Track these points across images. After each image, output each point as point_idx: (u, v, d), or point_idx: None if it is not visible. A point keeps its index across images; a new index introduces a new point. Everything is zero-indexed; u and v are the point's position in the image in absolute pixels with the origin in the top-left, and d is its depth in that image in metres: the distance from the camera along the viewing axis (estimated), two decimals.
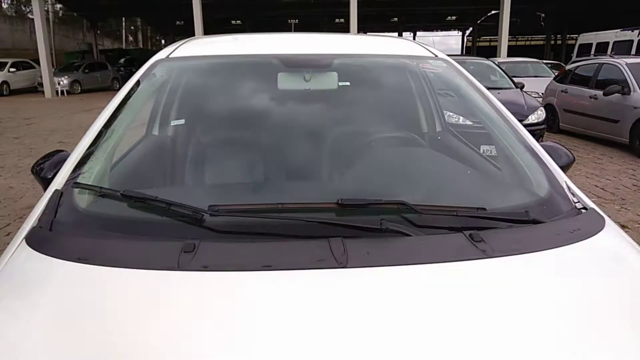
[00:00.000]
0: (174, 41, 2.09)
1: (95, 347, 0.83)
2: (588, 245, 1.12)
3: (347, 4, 17.69)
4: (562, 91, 9.14)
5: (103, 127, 1.48)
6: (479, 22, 35.81)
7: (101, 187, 1.26)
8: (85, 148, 1.41)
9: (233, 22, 33.46)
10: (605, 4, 24.49)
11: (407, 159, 1.59)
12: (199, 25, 18.16)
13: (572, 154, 1.68)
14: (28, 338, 0.86)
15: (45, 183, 1.52)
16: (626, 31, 14.13)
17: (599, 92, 7.85)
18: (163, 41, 49.68)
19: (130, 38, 51.89)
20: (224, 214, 1.11)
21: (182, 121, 1.64)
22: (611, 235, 1.19)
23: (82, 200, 1.25)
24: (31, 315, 0.91)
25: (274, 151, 1.50)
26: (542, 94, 9.97)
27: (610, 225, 1.22)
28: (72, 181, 1.29)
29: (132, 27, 50.74)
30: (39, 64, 18.75)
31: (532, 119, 6.62)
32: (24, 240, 1.12)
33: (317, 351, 0.81)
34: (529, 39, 46.02)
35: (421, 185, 1.39)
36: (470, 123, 2.25)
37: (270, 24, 32.23)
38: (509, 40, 18.77)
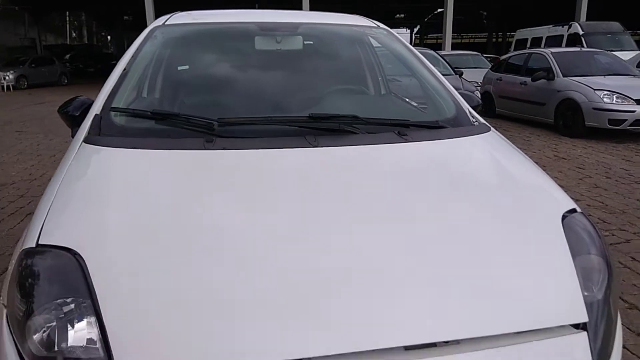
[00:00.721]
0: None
1: (162, 192, 1.30)
2: (475, 139, 1.69)
3: (300, 2, 18.20)
4: (497, 79, 10.03)
5: (122, 72, 1.91)
6: (425, 20, 37.24)
7: (134, 109, 1.71)
8: (111, 88, 1.84)
9: None
10: (541, 3, 26.22)
11: (356, 92, 2.15)
12: (150, 19, 18.14)
13: (480, 99, 2.27)
14: (109, 205, 1.30)
15: (71, 120, 1.95)
16: (557, 27, 15.35)
17: (528, 79, 8.75)
18: (109, 37, 48.45)
19: (74, 34, 50.23)
20: (229, 123, 1.60)
21: (186, 67, 2.11)
22: (493, 135, 1.77)
23: (119, 119, 1.69)
24: (108, 186, 1.36)
25: (260, 85, 2.00)
26: (481, 82, 10.86)
27: (494, 131, 1.80)
28: (107, 108, 1.72)
29: (76, 23, 49.13)
30: None
31: None
32: (83, 142, 1.56)
33: (304, 187, 1.34)
34: (473, 36, 48.24)
35: (368, 108, 1.95)
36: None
37: None
38: (454, 38, 19.86)
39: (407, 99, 2.46)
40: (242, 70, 2.10)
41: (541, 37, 15.92)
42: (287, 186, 1.35)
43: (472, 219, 1.27)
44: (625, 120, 7.11)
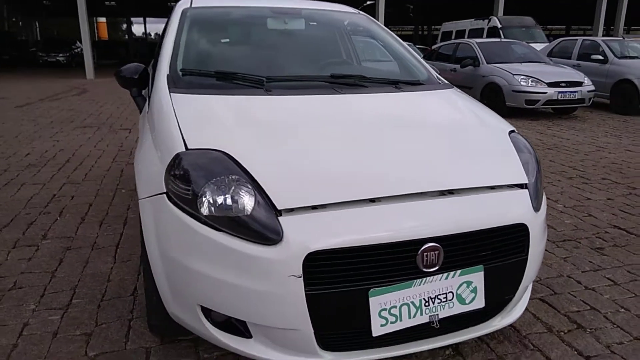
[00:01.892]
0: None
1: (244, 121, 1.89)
2: (442, 92, 2.43)
3: None
4: None
5: (174, 44, 2.43)
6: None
7: (200, 70, 2.26)
8: (170, 55, 2.36)
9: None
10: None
11: (349, 60, 2.88)
12: (82, 3, 17.62)
13: (438, 71, 3.01)
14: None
15: (126, 81, 2.46)
16: (479, 20, 16.81)
17: (457, 66, 9.82)
18: (20, 23, 45.08)
19: None
20: (274, 79, 2.21)
21: (227, 39, 2.66)
22: (455, 90, 2.50)
23: (188, 78, 2.23)
24: (213, 113, 1.92)
25: (281, 53, 2.63)
26: None
27: (456, 89, 2.53)
28: (175, 70, 2.25)
29: None
30: None
31: None
32: (171, 93, 2.08)
33: (343, 113, 2.00)
34: (400, 29, 50.33)
35: (370, 71, 2.63)
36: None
37: None
38: None
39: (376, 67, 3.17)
40: (267, 42, 2.72)
41: (464, 30, 17.32)
42: (331, 112, 2.02)
43: (453, 127, 2.01)
44: (539, 100, 8.32)
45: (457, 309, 1.60)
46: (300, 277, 1.43)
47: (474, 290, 1.61)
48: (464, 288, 1.60)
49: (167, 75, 2.22)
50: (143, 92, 2.66)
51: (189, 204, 1.57)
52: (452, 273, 1.57)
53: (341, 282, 1.48)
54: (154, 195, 1.71)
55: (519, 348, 2.06)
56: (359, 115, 2.03)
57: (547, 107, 8.53)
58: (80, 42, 20.05)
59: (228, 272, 1.50)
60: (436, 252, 1.52)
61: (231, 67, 2.34)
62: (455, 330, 1.69)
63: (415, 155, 1.77)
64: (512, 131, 2.10)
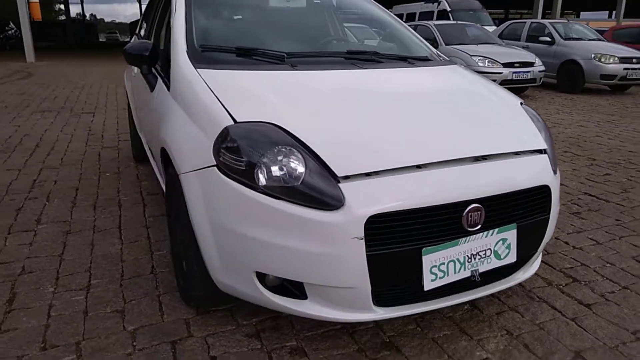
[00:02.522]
0: None
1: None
2: (450, 67, 2.57)
3: None
4: None
5: (185, 20, 2.42)
6: None
7: (220, 46, 2.28)
8: (184, 32, 2.35)
9: None
10: None
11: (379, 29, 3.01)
12: None
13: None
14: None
15: (136, 58, 2.43)
16: (428, 4, 17.21)
17: None
18: None
19: None
20: (294, 55, 2.26)
21: (240, 16, 2.66)
22: (460, 66, 2.66)
23: (209, 54, 2.24)
24: (251, 87, 1.97)
25: (292, 29, 2.68)
26: None
27: (458, 65, 2.68)
28: (192, 47, 2.25)
29: None
30: None
31: None
32: (197, 69, 2.09)
33: (369, 85, 2.08)
34: None
35: (380, 48, 2.72)
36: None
37: None
38: None
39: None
40: (275, 19, 2.77)
41: (415, 13, 17.72)
42: (361, 85, 2.12)
43: (474, 98, 2.17)
44: (495, 80, 8.70)
45: (494, 263, 1.76)
46: (362, 238, 1.53)
47: (508, 247, 1.78)
48: (500, 245, 1.75)
49: (187, 52, 2.22)
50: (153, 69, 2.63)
51: (243, 175, 1.63)
52: (491, 231, 1.72)
53: (397, 243, 1.59)
54: (202, 169, 1.74)
55: (527, 300, 2.27)
56: (386, 88, 2.14)
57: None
58: (13, 23, 18.78)
59: (288, 238, 1.58)
60: (478, 212, 1.66)
61: (246, 44, 2.36)
62: (488, 284, 1.85)
63: (449, 123, 1.89)
64: (522, 103, 2.27)
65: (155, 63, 2.54)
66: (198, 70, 2.08)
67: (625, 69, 9.50)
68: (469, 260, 1.70)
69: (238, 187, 1.63)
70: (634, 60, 9.63)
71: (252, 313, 2.12)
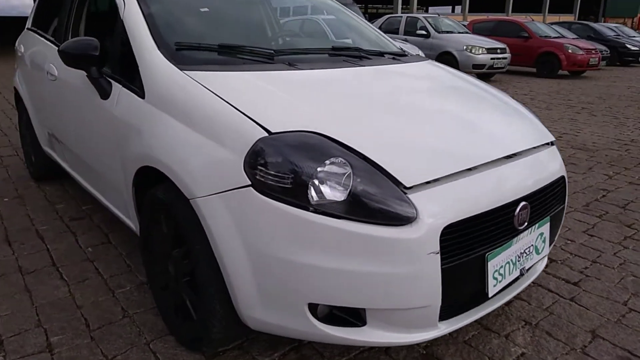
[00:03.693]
0: None
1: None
2: (426, 63, 2.53)
3: None
4: None
5: (146, 18, 2.04)
6: None
7: (198, 43, 1.95)
8: (146, 28, 1.98)
9: None
10: None
11: (344, 24, 2.81)
12: None
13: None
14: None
15: (81, 59, 2.02)
16: None
17: None
18: None
19: None
20: (283, 53, 2.03)
21: (207, 9, 2.29)
22: (433, 62, 2.63)
23: (188, 54, 1.91)
24: (261, 93, 1.70)
25: (266, 25, 2.41)
26: None
27: (433, 60, 2.66)
28: (166, 46, 1.90)
29: None
30: None
31: None
32: (181, 71, 1.77)
33: (379, 90, 1.95)
34: None
35: (362, 42, 2.58)
36: None
37: None
38: None
39: None
40: (247, 13, 2.46)
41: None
42: (371, 84, 1.97)
43: (480, 95, 2.14)
44: None
45: (535, 258, 1.76)
46: (438, 252, 1.40)
47: (544, 240, 1.78)
48: (539, 239, 1.75)
49: (160, 51, 1.87)
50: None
51: (291, 194, 1.39)
52: (533, 227, 1.71)
53: (466, 251, 1.49)
54: (230, 191, 1.46)
55: None
56: (400, 87, 2.01)
57: None
58: None
59: (351, 261, 1.38)
60: (526, 210, 1.63)
61: (224, 40, 2.06)
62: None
63: (478, 122, 1.83)
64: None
65: (103, 65, 2.11)
66: (186, 72, 1.76)
67: (492, 58, 10.56)
68: (519, 259, 1.67)
69: (285, 209, 1.39)
70: (498, 51, 10.75)
71: (269, 346, 1.87)
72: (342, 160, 1.42)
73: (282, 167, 1.40)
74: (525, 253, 1.70)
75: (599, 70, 13.98)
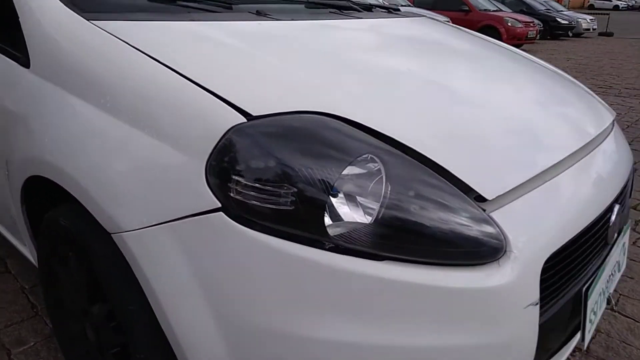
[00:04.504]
0: None
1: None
2: (425, 18, 1.99)
3: None
4: None
5: None
6: None
7: None
8: None
9: None
10: None
11: None
12: None
13: None
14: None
15: None
16: None
17: None
18: None
19: None
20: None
21: None
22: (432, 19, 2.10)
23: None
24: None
25: None
26: None
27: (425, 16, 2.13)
28: None
29: None
30: None
31: None
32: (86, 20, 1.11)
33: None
34: None
35: None
36: None
37: None
38: None
39: None
40: None
41: None
42: (380, 43, 1.47)
43: (515, 61, 1.63)
44: None
45: (616, 278, 1.27)
46: (537, 303, 0.87)
47: (624, 252, 1.31)
48: (621, 252, 1.27)
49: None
50: None
51: (292, 221, 0.80)
52: (620, 237, 1.22)
53: (560, 291, 0.97)
54: (182, 219, 0.85)
55: None
56: (415, 46, 1.49)
57: None
58: None
59: (401, 332, 0.82)
60: (619, 215, 1.14)
61: None
62: None
63: (539, 101, 1.31)
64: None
65: None
66: (95, 23, 1.09)
67: None
68: (606, 287, 1.18)
69: (283, 247, 0.80)
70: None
71: None
72: (371, 157, 0.84)
73: (273, 175, 0.80)
74: (612, 274, 1.21)
75: (535, 43, 14.15)
